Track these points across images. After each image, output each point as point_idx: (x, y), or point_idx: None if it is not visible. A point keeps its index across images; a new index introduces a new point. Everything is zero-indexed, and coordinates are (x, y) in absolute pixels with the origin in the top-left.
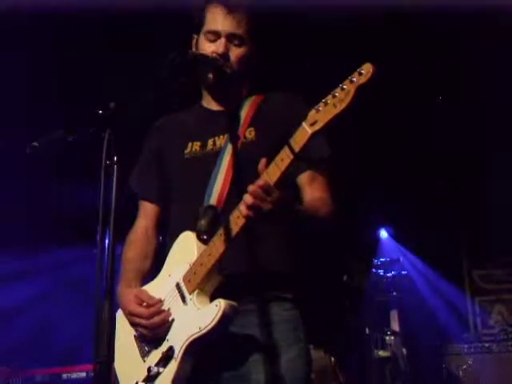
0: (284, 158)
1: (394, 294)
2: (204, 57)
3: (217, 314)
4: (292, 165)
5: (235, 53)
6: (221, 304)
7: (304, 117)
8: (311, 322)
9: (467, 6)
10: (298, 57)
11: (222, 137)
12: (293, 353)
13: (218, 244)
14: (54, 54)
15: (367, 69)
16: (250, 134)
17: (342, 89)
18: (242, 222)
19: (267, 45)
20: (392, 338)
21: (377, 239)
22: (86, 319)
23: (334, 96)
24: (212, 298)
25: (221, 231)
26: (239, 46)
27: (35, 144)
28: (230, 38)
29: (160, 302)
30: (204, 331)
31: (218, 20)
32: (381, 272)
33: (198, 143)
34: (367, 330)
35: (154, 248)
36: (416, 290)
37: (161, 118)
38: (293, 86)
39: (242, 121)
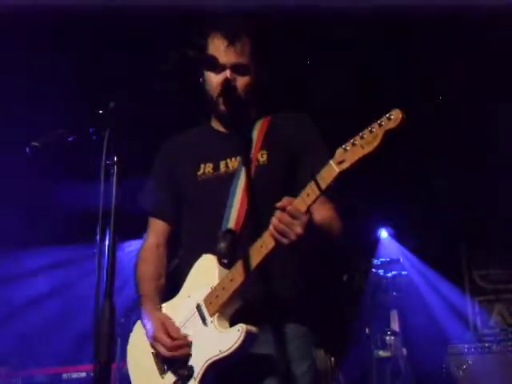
0: (310, 193)
1: (394, 294)
2: (204, 56)
3: (238, 339)
4: (317, 199)
5: (241, 82)
6: (243, 329)
7: (311, 138)
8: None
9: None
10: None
11: (234, 159)
12: (302, 369)
13: (241, 272)
14: (53, 53)
15: (396, 115)
16: (263, 157)
17: (371, 131)
18: (265, 251)
19: (270, 63)
20: (392, 338)
21: (377, 239)
22: (85, 319)
23: (362, 137)
24: (230, 321)
25: (243, 259)
26: (244, 74)
27: (35, 143)
28: (235, 68)
29: (185, 337)
30: (224, 354)
31: (220, 52)
32: (381, 272)
33: (211, 165)
34: (367, 330)
35: (166, 265)
36: (416, 290)
37: (169, 137)
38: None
39: (253, 143)
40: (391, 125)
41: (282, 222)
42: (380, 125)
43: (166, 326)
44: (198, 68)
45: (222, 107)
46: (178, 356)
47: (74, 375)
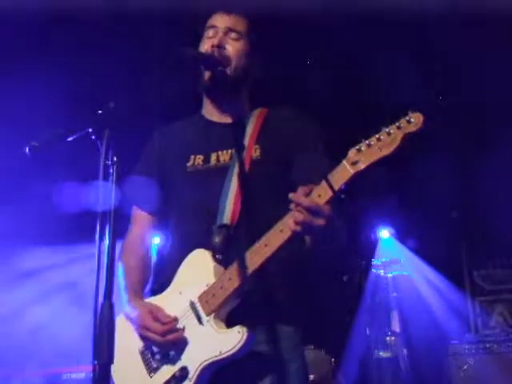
0: (322, 193)
1: (394, 294)
2: (201, 55)
3: (240, 341)
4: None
5: (232, 45)
6: (244, 331)
7: (310, 137)
8: (311, 322)
9: None
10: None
11: (225, 152)
12: (292, 368)
13: (240, 271)
14: (53, 53)
15: (417, 118)
16: (256, 152)
17: (389, 134)
18: (272, 249)
19: (265, 50)
20: (392, 338)
21: (377, 239)
22: (85, 320)
23: (379, 139)
24: (226, 320)
25: (243, 258)
26: (237, 40)
27: (35, 143)
28: (228, 32)
29: (175, 320)
30: (224, 355)
31: (216, 18)
32: (381, 272)
33: (201, 156)
34: (367, 331)
35: (150, 257)
36: (416, 290)
37: (159, 126)
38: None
39: (247, 138)
40: (412, 128)
41: (303, 219)
42: (399, 127)
43: (154, 313)
44: (196, 65)
45: (209, 86)
46: (173, 341)
47: (74, 375)
